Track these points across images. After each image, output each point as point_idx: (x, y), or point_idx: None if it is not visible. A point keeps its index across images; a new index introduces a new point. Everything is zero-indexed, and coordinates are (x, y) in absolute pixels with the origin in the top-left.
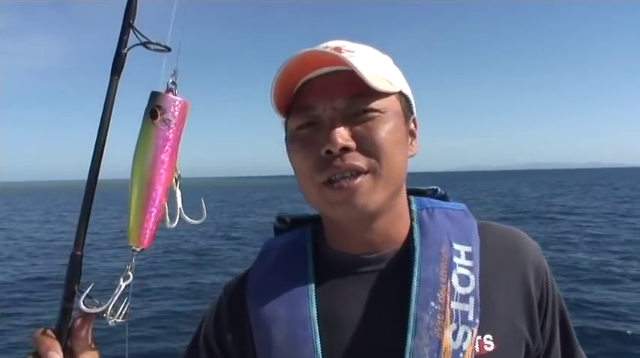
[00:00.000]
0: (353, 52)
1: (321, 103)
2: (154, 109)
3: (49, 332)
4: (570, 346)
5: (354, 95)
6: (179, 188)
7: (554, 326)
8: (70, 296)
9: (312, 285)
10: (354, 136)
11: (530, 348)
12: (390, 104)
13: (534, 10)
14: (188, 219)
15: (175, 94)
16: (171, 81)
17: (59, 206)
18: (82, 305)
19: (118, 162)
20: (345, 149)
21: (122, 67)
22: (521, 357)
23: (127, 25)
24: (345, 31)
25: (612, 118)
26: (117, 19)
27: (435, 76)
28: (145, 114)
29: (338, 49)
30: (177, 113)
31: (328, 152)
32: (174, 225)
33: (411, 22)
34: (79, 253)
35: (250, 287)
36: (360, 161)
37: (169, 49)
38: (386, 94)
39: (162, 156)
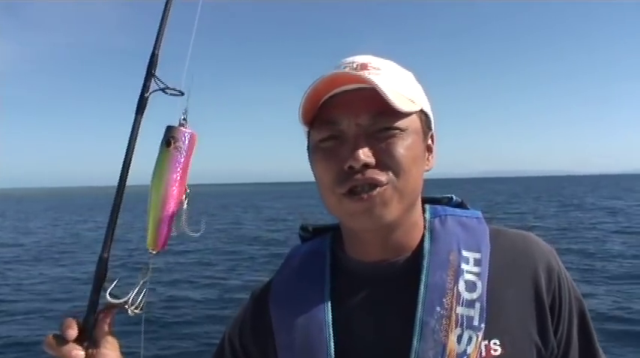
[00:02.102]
0: (379, 69)
1: (345, 118)
2: (168, 139)
3: (75, 321)
4: (591, 352)
5: (378, 113)
6: (187, 203)
7: (570, 332)
8: (97, 291)
9: (328, 291)
10: (374, 153)
11: (542, 354)
12: (411, 122)
13: (480, 15)
14: (188, 231)
15: (186, 128)
16: (182, 117)
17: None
18: (108, 297)
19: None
20: (366, 165)
21: (144, 108)
22: None
23: (149, 74)
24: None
25: (567, 125)
26: (76, 22)
27: None
28: (161, 143)
29: (364, 66)
30: (187, 142)
31: (350, 168)
32: (177, 233)
33: (368, 30)
34: (106, 255)
35: (273, 293)
36: (379, 175)
37: (183, 94)
38: (408, 113)
39: (175, 176)
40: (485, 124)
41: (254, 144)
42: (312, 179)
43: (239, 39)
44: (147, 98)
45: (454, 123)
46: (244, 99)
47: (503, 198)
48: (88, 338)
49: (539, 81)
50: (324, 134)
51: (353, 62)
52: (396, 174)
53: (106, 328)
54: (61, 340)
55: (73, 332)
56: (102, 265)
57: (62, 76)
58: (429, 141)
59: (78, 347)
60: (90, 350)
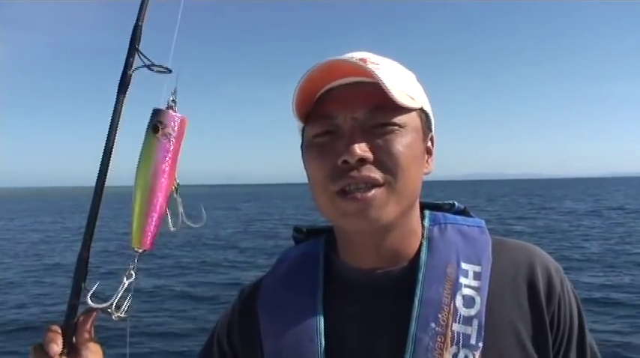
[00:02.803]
0: (378, 64)
1: (342, 113)
2: (155, 124)
3: (55, 327)
4: None
5: (376, 107)
6: (179, 195)
7: (567, 352)
8: (77, 294)
9: (321, 298)
10: (371, 148)
11: None
12: (411, 119)
13: (459, 19)
14: (189, 222)
15: (175, 111)
16: (171, 99)
17: None
18: (89, 301)
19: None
20: (362, 160)
21: (128, 87)
22: None
23: (133, 48)
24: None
25: (553, 129)
26: (57, 21)
27: None
28: (147, 128)
29: (363, 61)
30: (176, 128)
31: (345, 162)
32: (176, 228)
33: (352, 31)
34: (86, 254)
35: (262, 296)
36: (375, 173)
37: (170, 71)
38: (407, 110)
39: (163, 166)
40: (465, 127)
41: (238, 145)
42: (287, 181)
43: (222, 38)
44: (130, 75)
45: (437, 126)
46: (226, 99)
47: (480, 201)
48: (67, 344)
49: (519, 84)
50: (319, 129)
51: (352, 57)
52: (394, 173)
53: (87, 334)
54: (43, 353)
55: (56, 348)
56: (82, 265)
57: (42, 75)
58: (429, 144)
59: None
60: (74, 356)
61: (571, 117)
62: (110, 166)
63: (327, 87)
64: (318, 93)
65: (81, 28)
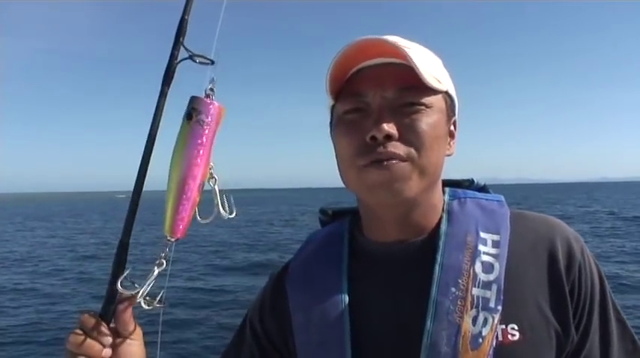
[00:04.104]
0: (409, 47)
1: (371, 91)
2: (190, 111)
3: (93, 313)
4: (609, 341)
5: (405, 87)
6: (216, 185)
7: (589, 321)
8: (115, 280)
9: (346, 272)
10: (398, 126)
11: (561, 341)
12: (436, 101)
13: (443, 23)
14: (223, 212)
15: (212, 100)
16: (209, 87)
17: None
18: (119, 287)
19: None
20: (389, 137)
21: (172, 78)
22: (551, 349)
23: (178, 42)
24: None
25: (540, 135)
26: (50, 27)
27: None
28: (183, 116)
29: (394, 43)
30: (210, 115)
31: (373, 138)
32: (207, 221)
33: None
34: (126, 241)
35: (290, 275)
36: (400, 150)
37: (213, 62)
38: (434, 91)
39: (195, 154)
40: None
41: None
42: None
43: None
44: (174, 68)
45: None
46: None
47: None
48: (108, 328)
49: (511, 90)
50: (349, 106)
51: (383, 38)
52: (418, 150)
53: (126, 316)
54: (82, 336)
55: (102, 328)
56: (122, 251)
57: (33, 81)
58: (452, 127)
59: (102, 340)
60: (114, 340)
61: (562, 122)
62: (150, 163)
63: (358, 67)
64: (349, 73)
65: (74, 34)
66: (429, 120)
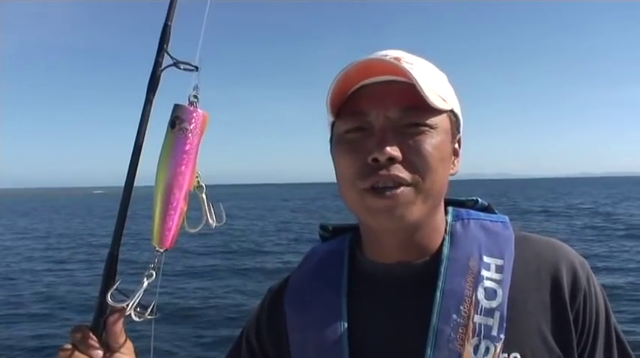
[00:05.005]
0: (412, 64)
1: (374, 110)
2: (173, 120)
3: (84, 326)
4: None
5: (409, 107)
6: (204, 194)
7: (593, 349)
8: (105, 293)
9: (345, 292)
10: (401, 148)
11: None
12: (441, 121)
13: (430, 19)
14: (211, 221)
15: (196, 107)
16: (193, 94)
17: None
18: (109, 299)
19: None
20: (392, 159)
21: (157, 86)
22: None
23: (162, 49)
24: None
25: (519, 130)
26: (24, 20)
27: None
28: (168, 125)
29: (397, 60)
30: (194, 123)
31: (375, 160)
32: (195, 230)
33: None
34: (116, 252)
35: (288, 292)
36: (403, 173)
37: (197, 68)
38: (439, 111)
39: (179, 162)
40: None
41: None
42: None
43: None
44: (159, 75)
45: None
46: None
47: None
48: (99, 341)
49: (491, 84)
50: (350, 125)
51: (386, 55)
52: (422, 173)
53: (117, 329)
54: (73, 350)
55: (87, 348)
56: (112, 263)
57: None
58: (456, 145)
59: (92, 354)
60: (105, 354)
61: (542, 118)
62: (139, 166)
63: (360, 84)
64: (351, 90)
65: (47, 26)
66: (433, 141)
